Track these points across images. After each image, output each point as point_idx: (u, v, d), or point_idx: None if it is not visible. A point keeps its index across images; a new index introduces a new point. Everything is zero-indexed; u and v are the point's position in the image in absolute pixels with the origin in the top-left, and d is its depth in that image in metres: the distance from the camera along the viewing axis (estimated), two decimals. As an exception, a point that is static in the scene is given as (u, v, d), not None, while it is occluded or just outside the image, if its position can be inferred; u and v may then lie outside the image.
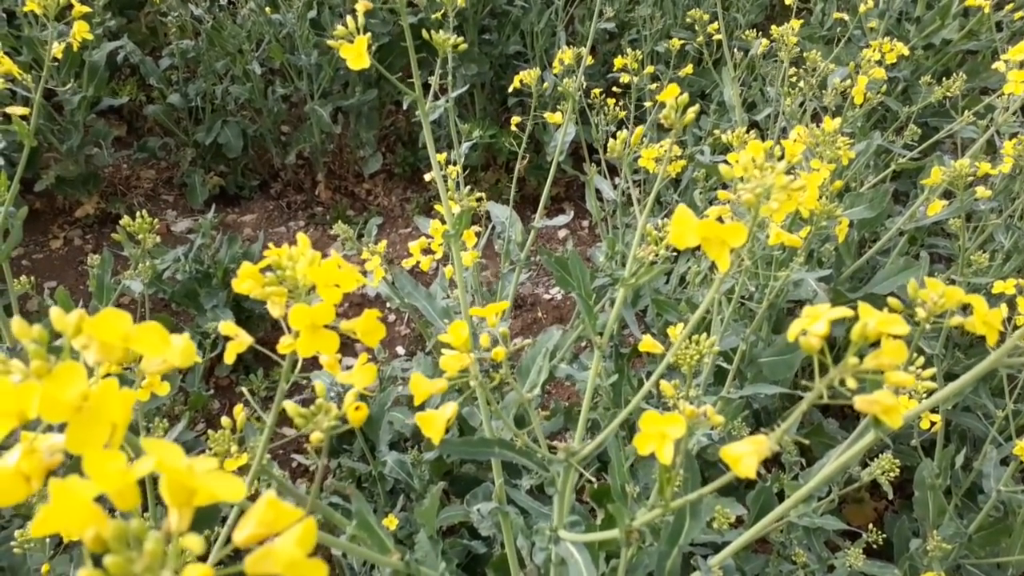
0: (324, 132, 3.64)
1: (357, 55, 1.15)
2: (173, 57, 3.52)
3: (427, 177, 1.99)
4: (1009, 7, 3.22)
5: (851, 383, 0.68)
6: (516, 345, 1.00)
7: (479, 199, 2.08)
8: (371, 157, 3.64)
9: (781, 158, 1.26)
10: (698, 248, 0.84)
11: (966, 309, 0.81)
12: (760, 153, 1.28)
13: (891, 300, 0.85)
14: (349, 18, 1.21)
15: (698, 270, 2.40)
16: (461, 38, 1.26)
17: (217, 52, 3.49)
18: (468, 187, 1.94)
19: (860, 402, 0.73)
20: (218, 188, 3.77)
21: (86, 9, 1.62)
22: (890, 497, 2.78)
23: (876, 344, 0.75)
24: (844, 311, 0.71)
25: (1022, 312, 1.59)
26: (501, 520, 1.33)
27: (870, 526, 1.77)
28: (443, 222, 1.74)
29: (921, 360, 1.00)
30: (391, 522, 1.72)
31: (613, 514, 1.09)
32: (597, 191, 2.57)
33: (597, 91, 2.59)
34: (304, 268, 0.82)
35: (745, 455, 0.71)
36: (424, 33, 1.29)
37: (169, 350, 0.55)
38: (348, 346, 3.17)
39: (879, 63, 2.09)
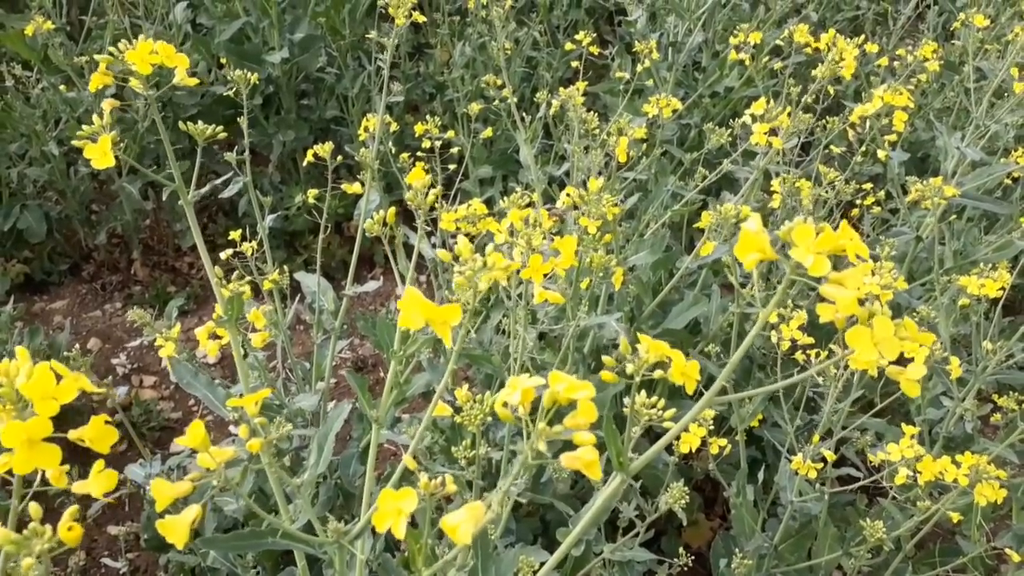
0: (136, 208, 3.50)
1: (102, 155, 1.14)
2: (-42, 141, 3.29)
3: (222, 256, 1.97)
4: (772, 61, 3.57)
5: (542, 446, 0.74)
6: (268, 439, 1.00)
7: (282, 271, 2.08)
8: (189, 230, 3.52)
9: (538, 224, 1.35)
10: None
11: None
12: (518, 221, 1.36)
13: (605, 358, 0.93)
14: (95, 116, 1.20)
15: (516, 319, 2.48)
16: (220, 127, 1.28)
17: (9, 134, 3.29)
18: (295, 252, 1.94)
19: (565, 459, 0.79)
20: (22, 276, 3.52)
21: None
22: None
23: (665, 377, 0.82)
24: (539, 380, 0.77)
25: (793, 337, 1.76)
26: (306, 604, 1.31)
27: (680, 551, 1.87)
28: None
29: (663, 402, 1.08)
30: (207, 618, 1.64)
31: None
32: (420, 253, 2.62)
33: (405, 155, 2.66)
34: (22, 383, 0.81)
35: (462, 523, 0.75)
36: (181, 124, 1.30)
37: None
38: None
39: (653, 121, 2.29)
